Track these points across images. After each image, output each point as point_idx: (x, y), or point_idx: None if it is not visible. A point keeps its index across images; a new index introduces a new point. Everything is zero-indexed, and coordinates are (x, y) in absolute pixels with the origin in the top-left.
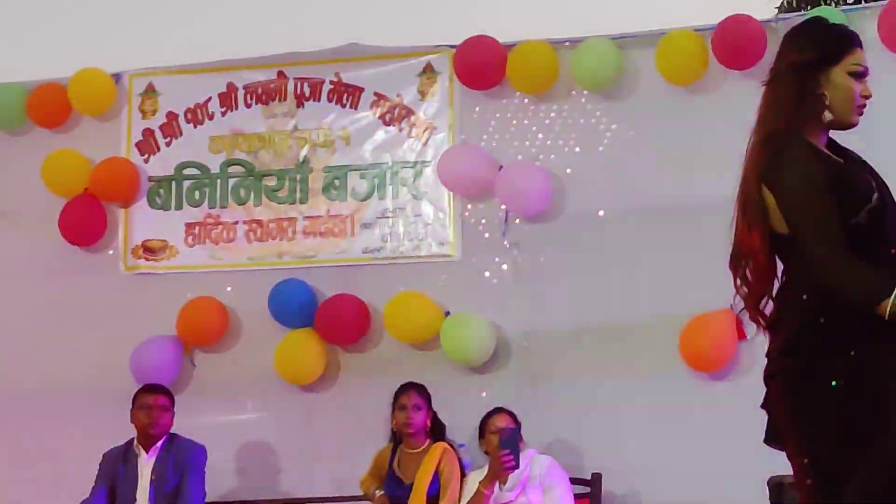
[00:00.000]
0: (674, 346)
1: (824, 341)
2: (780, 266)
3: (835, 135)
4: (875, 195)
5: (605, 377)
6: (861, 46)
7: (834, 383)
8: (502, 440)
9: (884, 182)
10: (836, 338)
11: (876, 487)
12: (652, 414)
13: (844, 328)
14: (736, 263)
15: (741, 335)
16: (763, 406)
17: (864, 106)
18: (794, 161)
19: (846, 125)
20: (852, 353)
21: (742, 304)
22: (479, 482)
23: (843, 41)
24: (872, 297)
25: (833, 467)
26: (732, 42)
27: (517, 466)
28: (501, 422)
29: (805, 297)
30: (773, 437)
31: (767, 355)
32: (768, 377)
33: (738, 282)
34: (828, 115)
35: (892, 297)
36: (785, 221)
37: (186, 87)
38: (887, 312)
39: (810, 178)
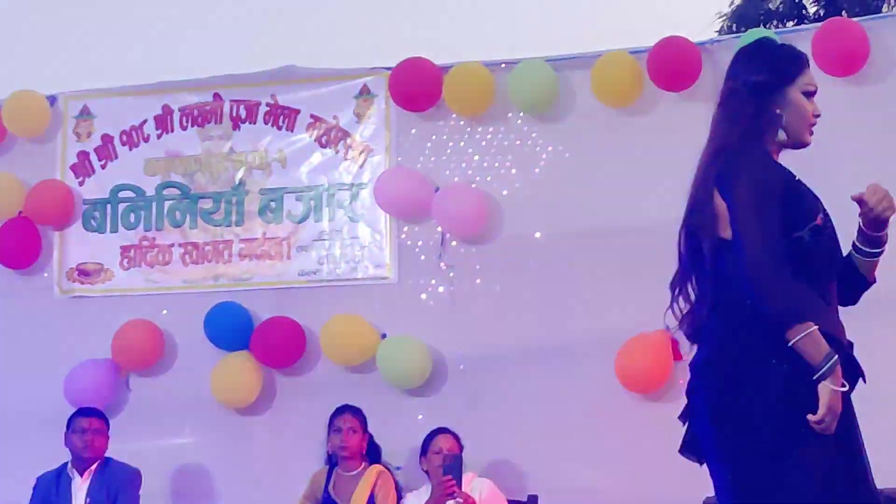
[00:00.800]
0: (610, 368)
1: (749, 351)
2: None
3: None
4: (820, 215)
5: (541, 399)
6: (809, 66)
7: (759, 391)
8: (446, 466)
9: (826, 210)
10: (761, 348)
11: (802, 499)
12: (589, 435)
13: (769, 337)
14: (678, 281)
15: (677, 356)
16: (681, 417)
17: (815, 124)
18: (749, 164)
19: (800, 144)
20: (773, 361)
21: (677, 323)
22: None
23: (796, 62)
24: (787, 318)
25: (757, 479)
26: (667, 64)
27: (459, 495)
28: (445, 442)
29: (732, 307)
30: (690, 449)
31: (691, 367)
32: (691, 390)
33: (679, 301)
34: (782, 135)
35: (801, 334)
36: (731, 223)
37: (122, 109)
38: (792, 340)
39: (764, 182)
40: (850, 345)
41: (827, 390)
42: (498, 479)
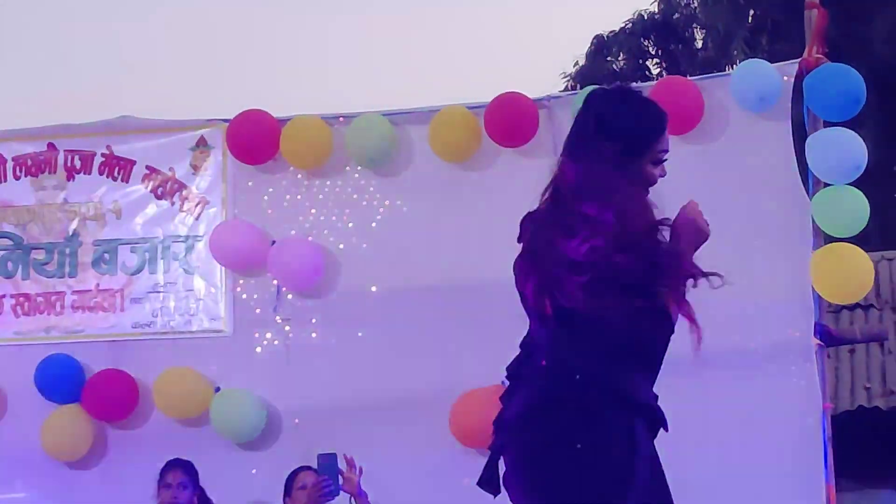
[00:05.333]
0: (445, 423)
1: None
2: None
3: None
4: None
5: (377, 453)
6: (664, 130)
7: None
8: (321, 465)
9: None
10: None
11: None
12: (424, 490)
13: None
14: None
15: None
16: (490, 447)
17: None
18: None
19: None
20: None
21: None
22: None
23: (651, 132)
24: None
25: None
26: (505, 119)
27: (337, 493)
28: (309, 478)
29: (543, 363)
30: (489, 482)
31: (497, 422)
32: (499, 448)
33: None
34: None
35: None
36: None
37: None
38: None
39: None
40: (654, 396)
41: None
42: None
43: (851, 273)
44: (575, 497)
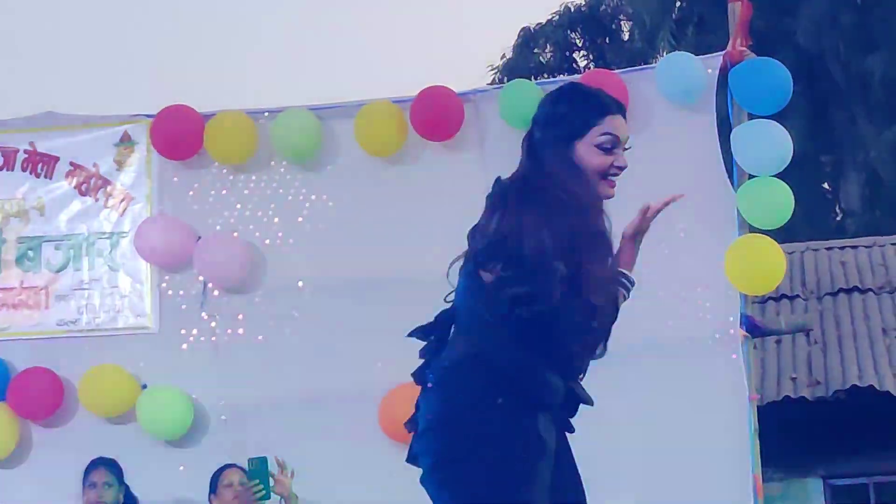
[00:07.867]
0: (374, 417)
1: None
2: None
3: None
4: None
5: (305, 448)
6: (617, 112)
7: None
8: (251, 470)
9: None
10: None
11: None
12: (352, 485)
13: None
14: None
15: None
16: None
17: (614, 174)
18: None
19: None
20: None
21: None
22: None
23: (590, 112)
24: None
25: None
26: (430, 114)
27: (268, 497)
28: (235, 476)
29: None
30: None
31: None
32: (413, 456)
33: None
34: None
35: None
36: None
37: None
38: None
39: None
40: (566, 393)
41: None
42: None
43: (762, 264)
44: (479, 497)
